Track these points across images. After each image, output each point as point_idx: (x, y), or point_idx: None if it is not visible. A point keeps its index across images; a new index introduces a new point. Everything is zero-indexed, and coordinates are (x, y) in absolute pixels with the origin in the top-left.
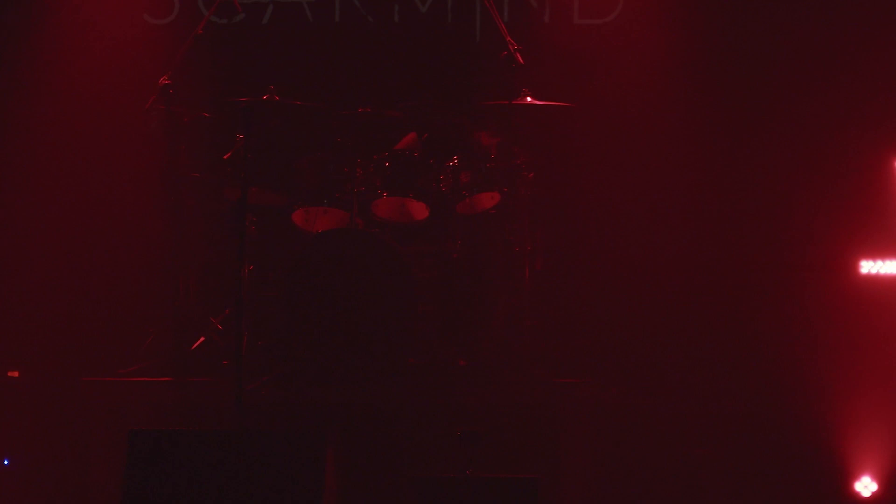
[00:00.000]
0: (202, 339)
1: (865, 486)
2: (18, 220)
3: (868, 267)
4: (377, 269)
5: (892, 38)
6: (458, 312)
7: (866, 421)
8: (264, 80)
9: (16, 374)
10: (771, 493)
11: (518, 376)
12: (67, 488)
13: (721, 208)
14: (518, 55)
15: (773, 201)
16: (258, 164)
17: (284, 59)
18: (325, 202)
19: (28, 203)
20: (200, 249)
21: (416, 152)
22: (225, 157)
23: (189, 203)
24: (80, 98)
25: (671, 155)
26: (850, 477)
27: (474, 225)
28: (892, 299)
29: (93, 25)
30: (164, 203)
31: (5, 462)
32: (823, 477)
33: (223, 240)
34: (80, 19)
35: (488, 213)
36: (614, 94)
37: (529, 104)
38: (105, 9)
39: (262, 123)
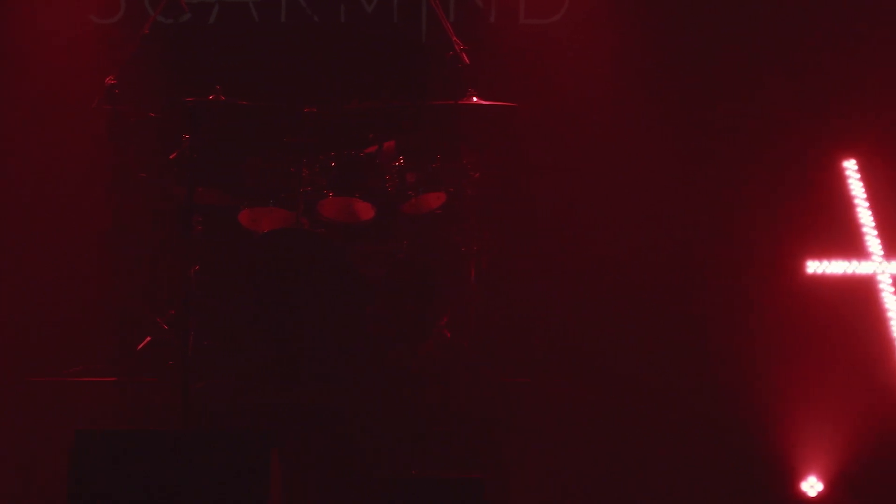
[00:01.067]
0: (148, 338)
1: (811, 486)
2: None
3: (814, 267)
4: (323, 269)
5: (840, 38)
6: (405, 312)
7: (812, 421)
8: (210, 79)
9: None
10: (717, 493)
11: (465, 376)
12: (11, 489)
13: (668, 207)
14: (464, 55)
15: (720, 200)
16: (204, 163)
17: (231, 58)
18: (271, 202)
19: None
20: (146, 249)
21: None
22: (171, 156)
23: (135, 203)
24: (24, 98)
25: (617, 154)
26: (796, 477)
27: (420, 225)
28: (837, 299)
29: (38, 25)
30: (110, 203)
31: None
32: (769, 477)
33: (169, 239)
34: (25, 19)
35: (434, 213)
36: (561, 93)
37: (475, 104)
38: (51, 8)
39: (208, 123)
